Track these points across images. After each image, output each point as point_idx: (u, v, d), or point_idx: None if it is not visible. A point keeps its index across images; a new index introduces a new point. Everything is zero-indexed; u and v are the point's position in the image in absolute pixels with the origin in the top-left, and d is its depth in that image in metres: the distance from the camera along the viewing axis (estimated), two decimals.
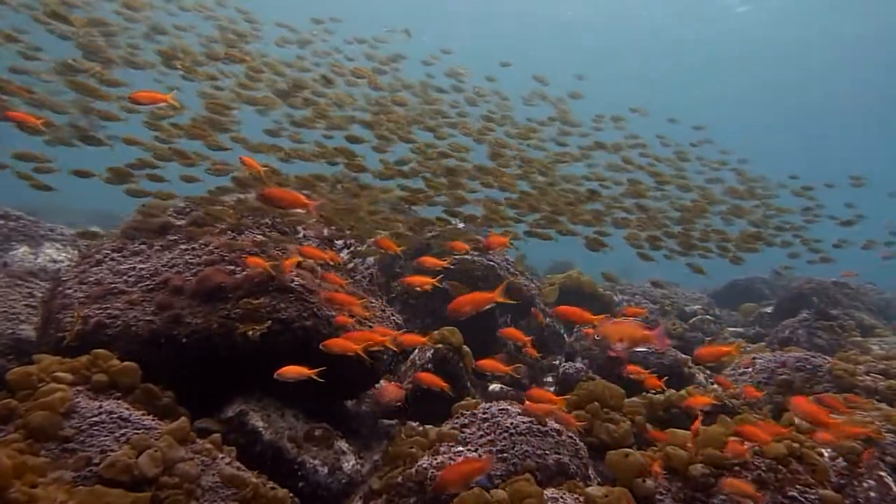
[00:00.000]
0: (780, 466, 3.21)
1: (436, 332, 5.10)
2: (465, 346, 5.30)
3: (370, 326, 4.28)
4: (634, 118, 8.83)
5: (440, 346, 5.08)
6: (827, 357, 5.43)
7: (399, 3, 27.47)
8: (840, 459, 3.42)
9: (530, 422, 3.65)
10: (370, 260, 5.06)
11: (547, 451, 3.51)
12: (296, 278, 4.03)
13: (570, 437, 3.70)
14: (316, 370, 3.45)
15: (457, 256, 6.62)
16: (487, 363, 4.38)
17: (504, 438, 3.56)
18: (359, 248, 4.98)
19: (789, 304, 10.23)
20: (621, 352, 3.47)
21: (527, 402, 3.88)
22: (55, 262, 6.38)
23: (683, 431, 3.87)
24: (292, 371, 3.42)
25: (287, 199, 3.80)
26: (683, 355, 6.06)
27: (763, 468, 3.23)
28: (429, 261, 4.96)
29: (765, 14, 29.74)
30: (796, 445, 3.33)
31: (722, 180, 7.77)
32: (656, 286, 6.59)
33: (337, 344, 3.55)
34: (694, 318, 9.95)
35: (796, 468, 3.19)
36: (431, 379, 4.10)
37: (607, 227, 6.20)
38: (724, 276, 14.48)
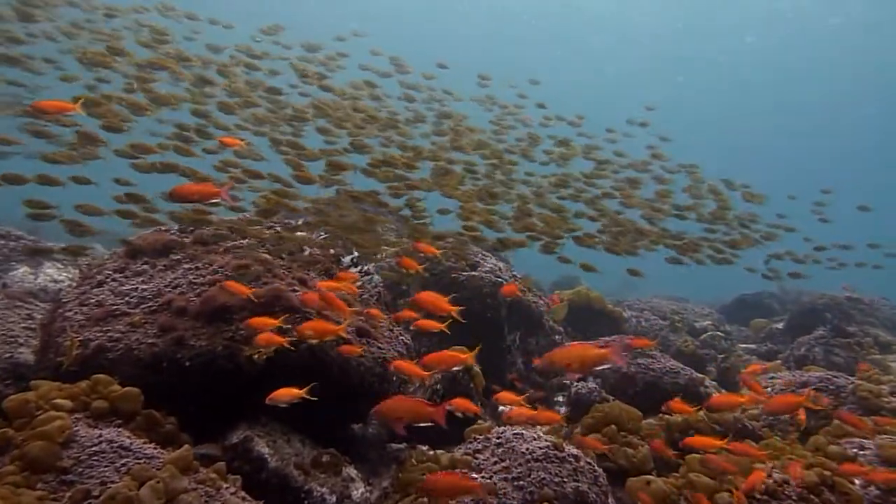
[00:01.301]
0: (811, 496, 3.06)
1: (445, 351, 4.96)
2: (475, 367, 5.16)
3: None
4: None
5: None
6: (849, 377, 5.26)
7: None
8: (872, 487, 3.26)
9: (547, 447, 3.50)
10: (377, 278, 4.94)
11: (565, 479, 3.36)
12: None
13: (588, 463, 3.55)
14: (306, 388, 3.32)
15: (465, 273, 6.51)
16: (504, 395, 4.28)
17: (520, 465, 3.41)
18: (366, 266, 4.86)
19: (801, 319, 10.06)
20: (574, 376, 3.30)
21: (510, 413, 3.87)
22: (56, 281, 6.27)
23: (709, 456, 3.72)
24: (284, 394, 3.31)
25: (196, 192, 3.76)
26: (699, 374, 5.91)
27: (794, 497, 3.08)
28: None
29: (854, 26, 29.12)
30: (828, 473, 3.18)
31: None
32: (633, 274, 6.46)
33: (263, 339, 3.48)
34: (705, 335, 9.78)
35: (829, 498, 3.04)
36: (465, 404, 3.96)
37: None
38: (731, 290, 14.34)
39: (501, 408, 5.80)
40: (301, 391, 3.31)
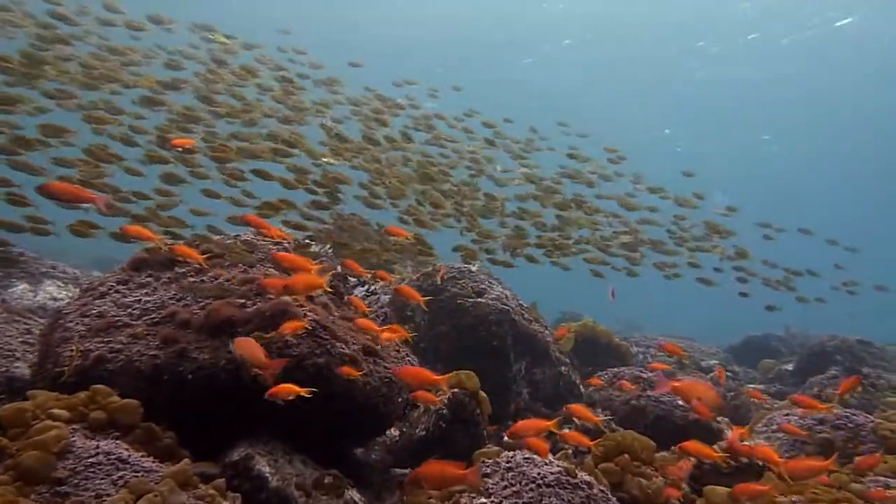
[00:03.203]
0: None
1: (451, 374, 4.84)
2: (481, 392, 5.03)
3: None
4: None
5: (456, 390, 4.81)
6: (868, 416, 5.12)
7: None
8: None
9: (559, 473, 3.37)
10: (384, 298, 4.86)
11: None
12: (308, 313, 3.82)
13: (602, 491, 3.41)
14: (307, 389, 3.29)
15: (470, 300, 6.41)
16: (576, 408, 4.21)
17: (530, 490, 3.28)
18: (373, 287, 4.79)
19: (810, 361, 9.93)
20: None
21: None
22: (55, 299, 6.19)
23: (722, 489, 3.59)
24: (284, 390, 3.26)
25: (69, 193, 3.63)
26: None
27: None
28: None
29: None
30: None
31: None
32: (595, 275, 6.52)
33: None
34: (712, 374, 9.63)
35: None
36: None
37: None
38: (739, 331, 14.22)
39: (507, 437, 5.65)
40: (301, 389, 3.27)
